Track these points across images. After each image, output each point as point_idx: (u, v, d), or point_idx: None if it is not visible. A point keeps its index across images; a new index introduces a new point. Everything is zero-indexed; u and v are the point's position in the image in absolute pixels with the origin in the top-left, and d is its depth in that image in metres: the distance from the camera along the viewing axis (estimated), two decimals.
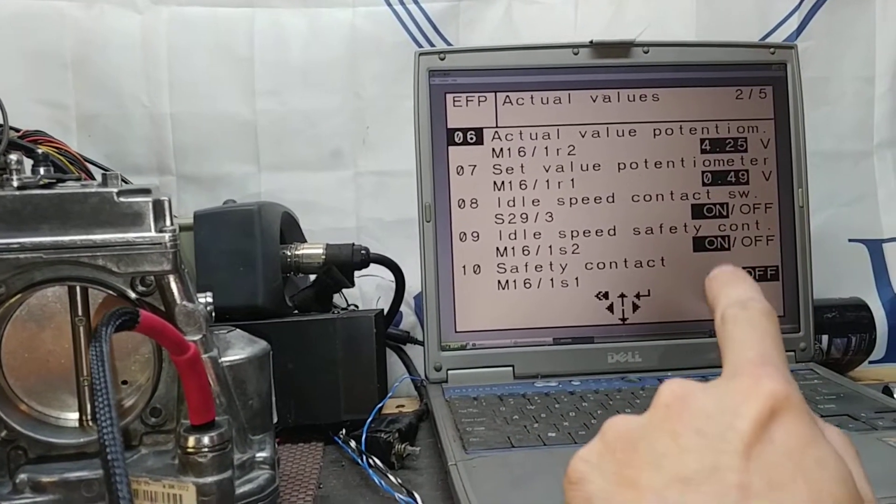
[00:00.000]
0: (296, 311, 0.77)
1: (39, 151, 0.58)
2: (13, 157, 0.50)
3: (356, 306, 0.87)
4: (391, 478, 0.61)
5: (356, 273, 0.81)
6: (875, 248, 1.01)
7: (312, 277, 0.81)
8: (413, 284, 0.84)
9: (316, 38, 0.99)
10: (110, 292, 0.51)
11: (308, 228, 0.86)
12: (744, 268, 0.81)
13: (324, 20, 0.99)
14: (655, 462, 0.29)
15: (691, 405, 0.30)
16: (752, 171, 0.82)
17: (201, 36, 0.97)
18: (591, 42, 0.80)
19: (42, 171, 0.53)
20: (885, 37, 1.01)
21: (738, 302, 0.34)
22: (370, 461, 0.64)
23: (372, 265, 0.81)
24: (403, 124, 0.83)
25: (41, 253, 0.49)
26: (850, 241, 1.01)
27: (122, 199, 0.50)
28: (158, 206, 0.51)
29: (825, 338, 0.86)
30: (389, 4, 0.98)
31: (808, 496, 0.27)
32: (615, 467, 0.30)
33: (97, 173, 0.85)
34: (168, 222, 0.51)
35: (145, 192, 0.51)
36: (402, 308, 0.88)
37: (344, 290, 0.82)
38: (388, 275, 0.85)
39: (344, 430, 0.70)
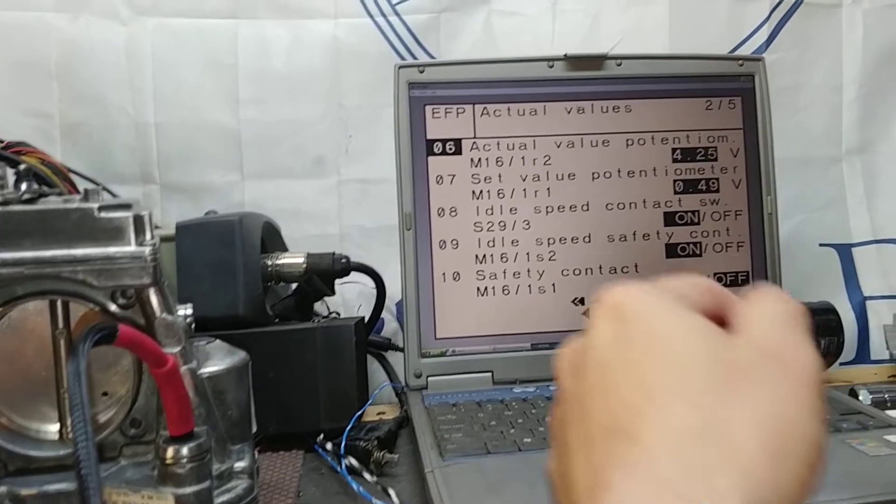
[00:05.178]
0: (277, 320, 0.78)
1: (22, 167, 0.59)
2: None
3: (338, 313, 0.88)
4: (370, 484, 0.62)
5: (339, 279, 0.82)
6: (845, 252, 1.03)
7: (294, 286, 0.82)
8: (395, 291, 0.85)
9: (299, 48, 0.99)
10: (91, 306, 0.51)
11: (291, 236, 0.87)
12: (715, 274, 0.84)
13: (306, 31, 0.99)
14: None
15: None
16: (723, 180, 0.83)
17: (186, 46, 0.98)
18: (565, 55, 0.82)
19: (24, 185, 0.54)
20: (851, 47, 1.02)
21: None
22: (349, 466, 0.65)
23: (354, 272, 0.83)
24: (385, 133, 0.84)
25: (23, 268, 0.49)
26: (820, 245, 1.03)
27: (102, 215, 0.50)
28: (139, 221, 0.51)
29: None
30: (371, 16, 0.98)
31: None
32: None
33: (81, 184, 0.86)
34: (148, 236, 0.51)
35: (126, 207, 0.51)
36: (384, 315, 0.88)
37: (325, 298, 0.83)
38: (371, 281, 0.86)
39: (323, 436, 0.71)
